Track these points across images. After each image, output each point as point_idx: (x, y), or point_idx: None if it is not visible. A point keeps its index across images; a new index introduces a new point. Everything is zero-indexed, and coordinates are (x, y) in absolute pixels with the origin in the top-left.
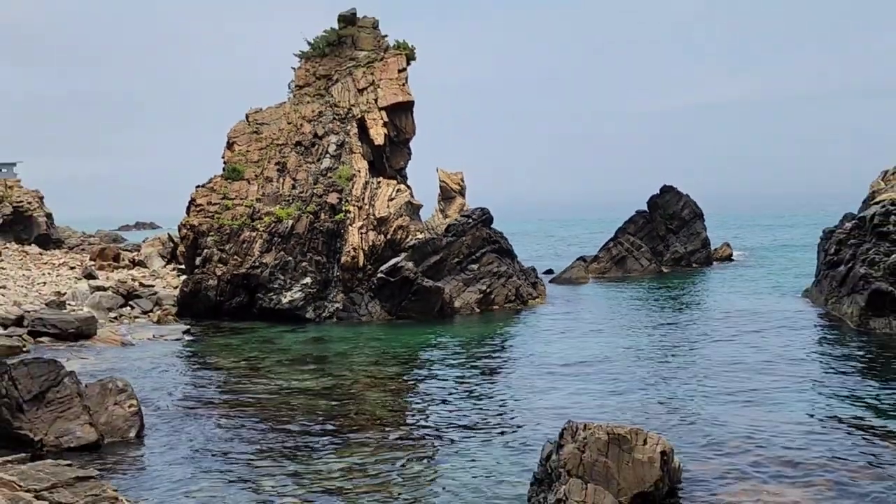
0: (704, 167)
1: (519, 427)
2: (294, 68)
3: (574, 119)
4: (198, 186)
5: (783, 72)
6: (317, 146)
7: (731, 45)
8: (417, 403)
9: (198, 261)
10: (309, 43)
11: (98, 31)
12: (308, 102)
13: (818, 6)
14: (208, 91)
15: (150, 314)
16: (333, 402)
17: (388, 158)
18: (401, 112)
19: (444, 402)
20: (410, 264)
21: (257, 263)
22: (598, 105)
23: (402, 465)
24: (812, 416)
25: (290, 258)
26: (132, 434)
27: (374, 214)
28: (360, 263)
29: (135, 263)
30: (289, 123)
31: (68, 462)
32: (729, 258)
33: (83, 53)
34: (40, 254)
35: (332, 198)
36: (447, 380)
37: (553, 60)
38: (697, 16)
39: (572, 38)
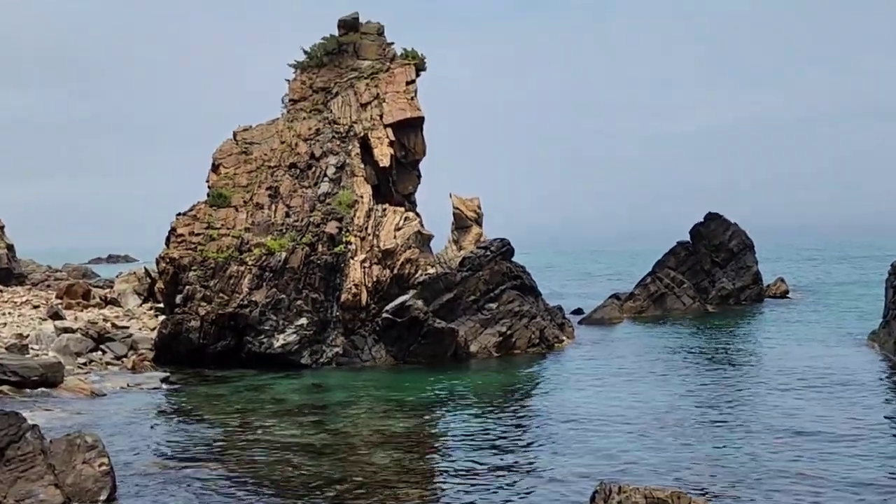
0: (733, 190)
1: (544, 489)
2: (288, 80)
3: (593, 141)
4: (178, 214)
5: (813, 88)
6: (314, 168)
7: (753, 62)
8: (430, 463)
9: (178, 299)
10: (305, 52)
11: (65, 39)
12: (304, 119)
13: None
14: (191, 106)
15: (125, 360)
16: (335, 462)
17: (395, 182)
18: (409, 130)
19: (460, 460)
20: (420, 303)
21: (246, 302)
22: (617, 126)
23: None
24: (882, 487)
25: (284, 296)
26: (103, 497)
27: (378, 246)
28: (363, 302)
29: (107, 302)
30: (282, 143)
31: None
32: (784, 295)
33: (47, 63)
34: (0, 291)
35: (331, 227)
36: (463, 435)
37: (571, 78)
38: (713, 34)
39: (592, 55)
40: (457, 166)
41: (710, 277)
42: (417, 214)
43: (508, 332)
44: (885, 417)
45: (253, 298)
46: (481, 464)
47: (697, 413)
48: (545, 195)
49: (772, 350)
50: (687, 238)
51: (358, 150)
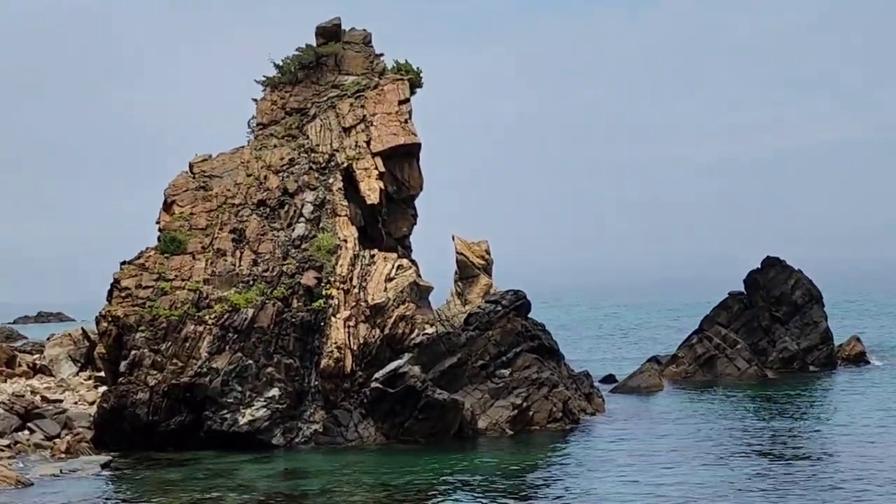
0: (789, 230)
1: None
2: (255, 100)
3: (630, 171)
4: (123, 263)
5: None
6: (287, 207)
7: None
8: None
9: (123, 366)
10: (276, 65)
11: None
12: (275, 147)
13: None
14: (139, 132)
15: (57, 441)
16: None
17: (386, 223)
18: (402, 159)
19: None
20: (417, 369)
21: (205, 369)
22: (663, 153)
23: None
24: None
25: (251, 362)
26: None
27: (365, 301)
28: (348, 368)
29: (36, 370)
30: (248, 176)
31: None
32: (860, 359)
33: None
34: None
35: (309, 278)
36: None
37: (604, 95)
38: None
39: (617, 73)
40: (462, 203)
41: (769, 336)
42: (413, 262)
43: (524, 405)
44: None
45: (213, 365)
46: None
47: None
48: (569, 238)
49: (849, 432)
50: (741, 288)
51: (340, 185)
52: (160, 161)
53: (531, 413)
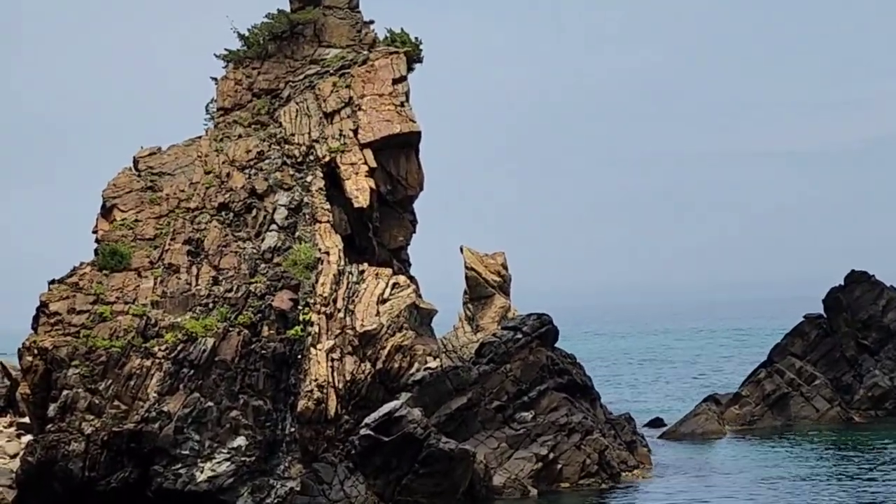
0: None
1: None
2: (216, 79)
3: (680, 163)
4: (52, 282)
5: None
6: (255, 212)
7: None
8: None
9: (52, 409)
10: (241, 36)
11: None
12: (239, 137)
13: None
14: (71, 120)
15: None
16: None
17: (378, 231)
18: (398, 152)
19: None
20: (417, 412)
21: (154, 414)
22: (718, 141)
23: None
24: None
25: (211, 404)
26: None
27: (353, 327)
28: (331, 412)
29: None
30: (207, 173)
31: None
32: None
33: None
34: None
35: (282, 299)
36: None
37: (651, 66)
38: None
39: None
40: (471, 207)
41: (854, 370)
42: (412, 279)
43: (551, 456)
44: None
45: (164, 408)
46: None
47: None
48: (602, 249)
49: None
50: (819, 310)
51: (321, 184)
52: (92, 156)
53: (559, 466)
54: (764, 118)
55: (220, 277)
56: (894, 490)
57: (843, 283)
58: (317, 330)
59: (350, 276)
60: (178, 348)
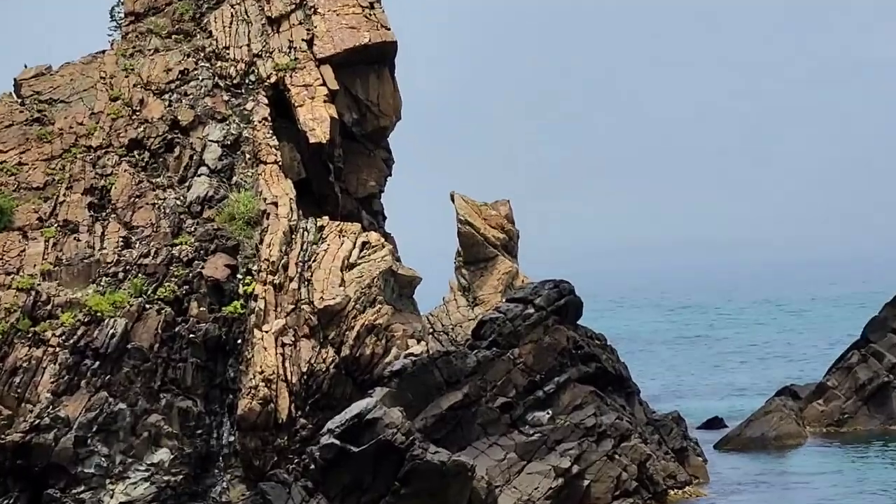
0: None
1: None
2: None
3: (724, 91)
4: None
5: None
6: (178, 150)
7: None
8: None
9: None
10: None
11: None
12: (155, 52)
13: None
14: None
15: None
16: None
17: (342, 175)
18: (367, 69)
19: None
20: (397, 413)
21: (47, 420)
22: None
23: None
24: None
25: (123, 406)
26: None
27: (311, 302)
28: (283, 415)
29: None
30: (113, 100)
31: None
32: None
33: None
34: None
35: (216, 267)
36: None
37: None
38: None
39: None
40: (467, 144)
41: None
42: (387, 237)
43: (576, 470)
44: None
45: (61, 413)
46: None
47: None
48: (641, 198)
49: None
50: None
51: (266, 113)
52: None
53: (586, 483)
54: None
55: (133, 238)
56: None
57: None
58: (262, 306)
59: (305, 233)
60: (79, 333)
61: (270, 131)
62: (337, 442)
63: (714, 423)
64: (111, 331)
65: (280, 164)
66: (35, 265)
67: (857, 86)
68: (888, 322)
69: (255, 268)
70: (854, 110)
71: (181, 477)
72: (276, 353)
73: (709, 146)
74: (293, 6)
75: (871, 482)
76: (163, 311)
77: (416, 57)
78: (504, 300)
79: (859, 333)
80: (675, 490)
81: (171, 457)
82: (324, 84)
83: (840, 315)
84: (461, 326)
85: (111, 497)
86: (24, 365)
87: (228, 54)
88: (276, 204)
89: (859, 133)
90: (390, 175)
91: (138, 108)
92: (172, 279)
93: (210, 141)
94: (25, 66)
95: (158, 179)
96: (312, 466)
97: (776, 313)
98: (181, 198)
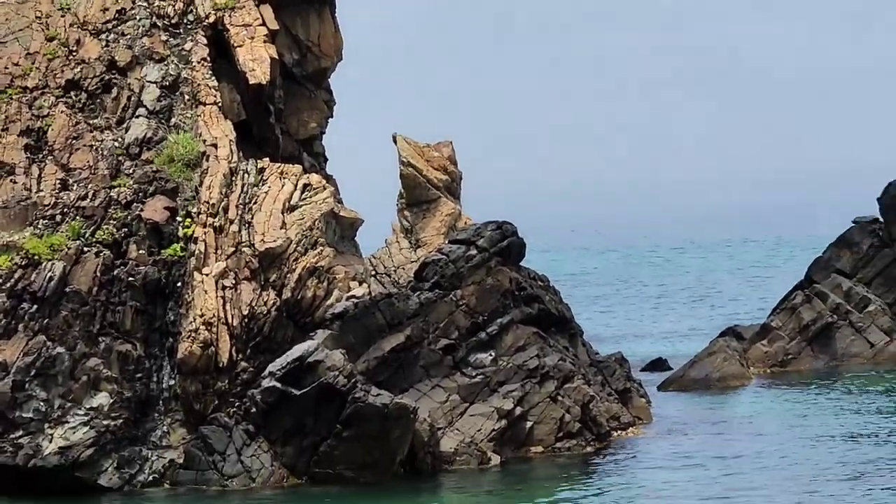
0: None
1: None
2: None
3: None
4: None
5: None
6: (116, 91)
7: None
8: None
9: None
10: None
11: None
12: None
13: None
14: None
15: None
16: None
17: (283, 116)
18: (307, 8)
19: None
20: (338, 356)
21: None
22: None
23: None
24: None
25: (61, 350)
26: None
27: (252, 244)
28: (223, 358)
29: None
30: (49, 41)
31: None
32: None
33: None
34: None
35: (155, 209)
36: None
37: None
38: None
39: None
40: (406, 84)
41: None
42: (329, 179)
43: (519, 412)
44: None
45: None
46: None
47: None
48: (588, 137)
49: None
50: (874, 212)
51: (205, 53)
52: None
53: (529, 425)
54: None
55: (71, 181)
56: None
57: None
58: (202, 248)
59: (246, 175)
60: (16, 276)
61: (210, 72)
62: (278, 385)
63: (657, 365)
64: (49, 274)
65: (220, 105)
66: None
67: None
68: (831, 262)
69: (194, 210)
70: None
71: (121, 421)
72: (217, 296)
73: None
74: None
75: (811, 419)
76: (101, 254)
77: None
78: (447, 242)
79: (803, 276)
80: (619, 431)
81: (111, 401)
82: (263, 24)
83: (786, 257)
84: (404, 269)
85: (50, 441)
86: None
87: None
88: (215, 146)
89: None
90: (332, 116)
91: (75, 49)
92: (111, 222)
93: (148, 82)
94: None
95: (96, 121)
96: (254, 410)
97: (722, 255)
98: (119, 139)
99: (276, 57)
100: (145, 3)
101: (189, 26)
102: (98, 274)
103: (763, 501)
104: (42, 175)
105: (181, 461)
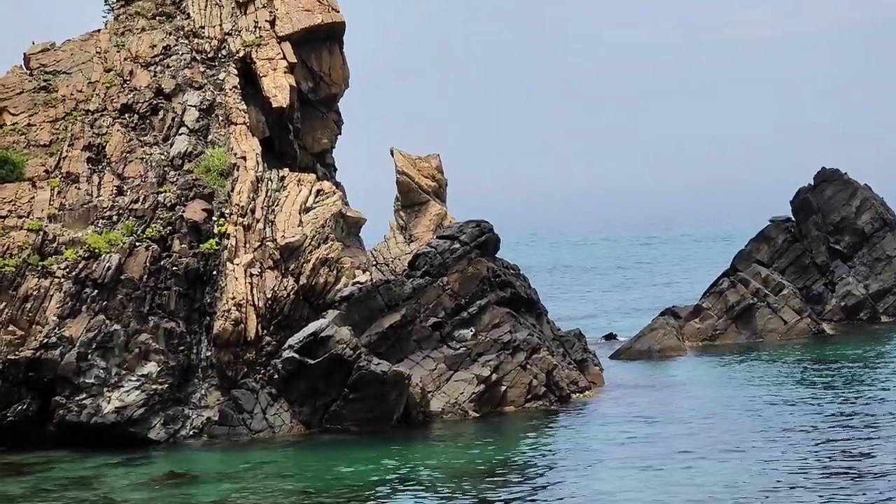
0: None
1: None
2: None
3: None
4: None
5: None
6: (162, 114)
7: None
8: None
9: None
10: None
11: None
12: (142, 31)
13: None
14: None
15: None
16: None
17: (300, 133)
18: (320, 45)
19: None
20: (345, 331)
21: (54, 339)
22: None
23: None
24: None
25: (118, 327)
26: None
27: (274, 239)
28: (251, 333)
29: None
30: (107, 71)
31: None
32: None
33: None
34: None
35: (195, 210)
36: None
37: None
38: None
39: None
40: (404, 106)
41: (826, 277)
42: (338, 185)
43: (494, 377)
44: None
45: (66, 333)
46: None
47: None
48: (550, 148)
49: None
50: (787, 213)
51: (236, 82)
52: None
53: (503, 388)
54: None
55: (125, 187)
56: (869, 409)
57: (812, 182)
58: (233, 243)
59: (269, 183)
60: (80, 266)
61: (240, 97)
62: (296, 356)
63: (611, 338)
64: (107, 264)
65: (248, 124)
66: (43, 210)
67: None
68: (752, 254)
69: (227, 211)
70: None
71: (166, 386)
72: (246, 283)
73: None
74: None
75: (735, 384)
76: (150, 248)
77: (364, 31)
78: (435, 237)
79: (729, 265)
80: (577, 394)
81: (158, 369)
82: (284, 58)
83: (717, 250)
84: (399, 259)
85: (108, 403)
86: (35, 293)
87: (204, 32)
88: (244, 158)
89: None
90: (340, 133)
91: (128, 78)
92: (158, 221)
93: (189, 105)
94: (33, 43)
95: (146, 138)
96: (276, 376)
97: (664, 248)
98: (165, 153)
99: (295, 85)
100: (186, 41)
101: (223, 60)
102: (147, 264)
103: (691, 443)
104: (101, 183)
105: (216, 419)
